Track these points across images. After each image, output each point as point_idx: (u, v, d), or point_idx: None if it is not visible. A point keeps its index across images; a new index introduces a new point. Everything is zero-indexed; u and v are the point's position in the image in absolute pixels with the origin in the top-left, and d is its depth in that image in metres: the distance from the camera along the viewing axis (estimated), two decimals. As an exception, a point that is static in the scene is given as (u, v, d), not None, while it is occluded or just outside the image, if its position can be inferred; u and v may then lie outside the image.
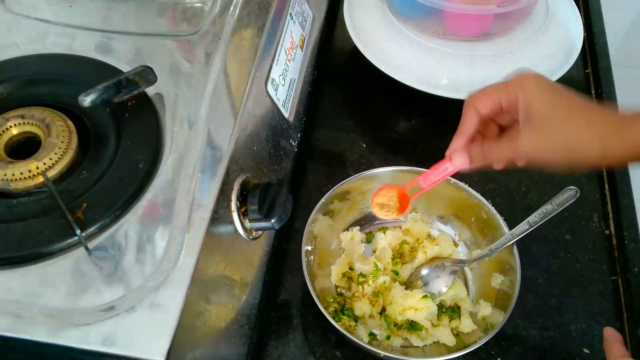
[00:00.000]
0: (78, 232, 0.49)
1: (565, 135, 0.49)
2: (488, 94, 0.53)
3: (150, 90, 0.60)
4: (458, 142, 0.54)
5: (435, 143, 0.80)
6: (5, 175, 0.53)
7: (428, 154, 0.79)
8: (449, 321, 0.64)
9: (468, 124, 0.54)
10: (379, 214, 0.60)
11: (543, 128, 0.49)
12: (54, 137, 0.56)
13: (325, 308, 0.60)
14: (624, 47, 1.74)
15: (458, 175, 0.70)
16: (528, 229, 0.62)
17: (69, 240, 0.50)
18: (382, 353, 0.59)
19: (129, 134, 0.57)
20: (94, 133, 0.59)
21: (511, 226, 0.64)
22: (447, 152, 0.55)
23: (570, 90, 0.51)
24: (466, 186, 0.68)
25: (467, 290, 0.66)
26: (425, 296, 0.63)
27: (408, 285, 0.66)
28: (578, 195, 0.62)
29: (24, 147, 0.57)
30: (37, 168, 0.54)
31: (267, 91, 0.66)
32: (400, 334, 0.63)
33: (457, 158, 0.54)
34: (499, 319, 0.60)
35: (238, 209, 0.55)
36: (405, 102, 0.84)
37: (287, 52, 0.72)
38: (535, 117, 0.49)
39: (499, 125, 0.56)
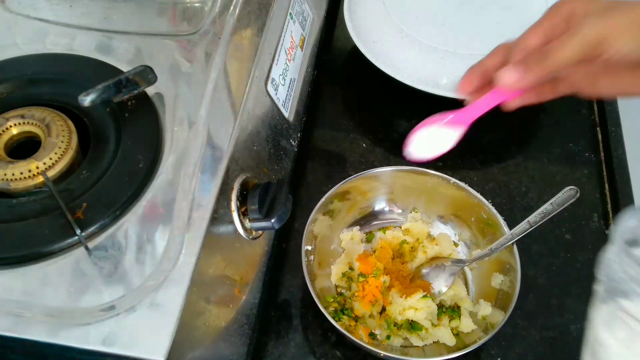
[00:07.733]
0: (78, 232, 0.49)
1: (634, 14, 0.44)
2: (531, 32, 0.48)
3: (150, 90, 0.60)
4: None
5: (435, 143, 0.82)
6: (5, 175, 0.54)
7: (428, 154, 0.80)
8: (449, 321, 0.64)
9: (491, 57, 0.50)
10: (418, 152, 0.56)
11: (610, 9, 0.45)
12: (54, 137, 0.56)
13: (325, 308, 0.60)
14: (624, 47, 1.73)
15: (458, 175, 0.70)
16: (528, 229, 0.62)
17: (69, 240, 0.50)
18: (382, 353, 0.59)
19: (129, 133, 0.57)
20: (94, 133, 0.59)
21: (511, 226, 0.64)
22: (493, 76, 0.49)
23: None
24: (466, 186, 0.68)
25: (467, 290, 0.66)
26: (425, 296, 0.63)
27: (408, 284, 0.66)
28: (578, 195, 0.62)
29: (24, 147, 0.57)
30: (37, 168, 0.54)
31: (267, 91, 0.66)
32: (400, 334, 0.63)
33: (506, 74, 0.47)
34: (499, 318, 0.60)
35: (238, 209, 0.55)
36: (405, 102, 0.84)
37: (287, 52, 0.72)
38: (598, 6, 0.46)
39: None
